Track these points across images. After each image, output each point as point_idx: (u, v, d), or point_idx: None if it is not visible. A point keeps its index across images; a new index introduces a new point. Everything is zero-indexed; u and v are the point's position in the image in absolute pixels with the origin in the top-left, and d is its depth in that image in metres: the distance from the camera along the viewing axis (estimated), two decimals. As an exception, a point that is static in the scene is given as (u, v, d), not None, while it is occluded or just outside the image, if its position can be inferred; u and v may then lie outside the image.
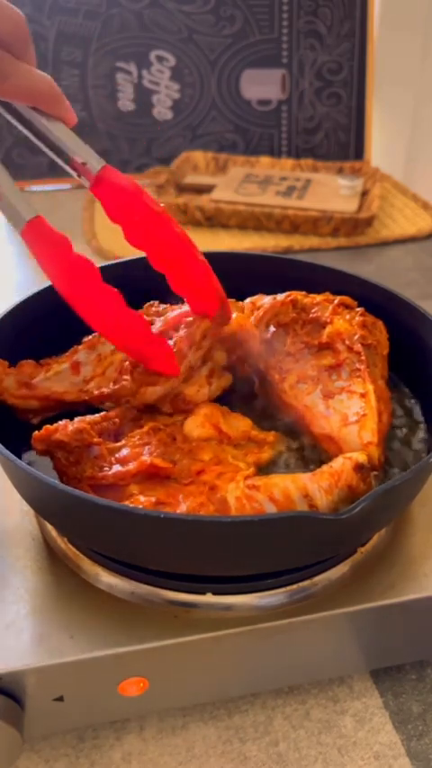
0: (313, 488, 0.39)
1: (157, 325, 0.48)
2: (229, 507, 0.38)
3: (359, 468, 0.41)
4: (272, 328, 0.50)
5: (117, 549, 0.40)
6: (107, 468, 0.41)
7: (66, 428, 0.42)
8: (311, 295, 0.52)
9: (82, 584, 0.42)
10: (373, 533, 0.45)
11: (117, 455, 0.42)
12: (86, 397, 0.48)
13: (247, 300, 0.54)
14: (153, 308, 0.52)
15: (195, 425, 0.45)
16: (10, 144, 1.11)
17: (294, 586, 0.42)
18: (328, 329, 0.48)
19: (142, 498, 0.39)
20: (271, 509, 0.39)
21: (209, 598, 0.41)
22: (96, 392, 0.48)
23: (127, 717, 0.44)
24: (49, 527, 0.46)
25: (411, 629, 0.44)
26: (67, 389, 0.49)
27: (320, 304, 0.51)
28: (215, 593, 0.41)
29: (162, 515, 0.34)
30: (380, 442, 0.44)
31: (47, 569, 0.43)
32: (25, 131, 0.42)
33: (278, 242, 0.99)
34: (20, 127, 0.42)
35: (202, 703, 0.45)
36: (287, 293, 0.52)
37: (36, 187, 1.15)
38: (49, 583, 0.42)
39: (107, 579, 0.42)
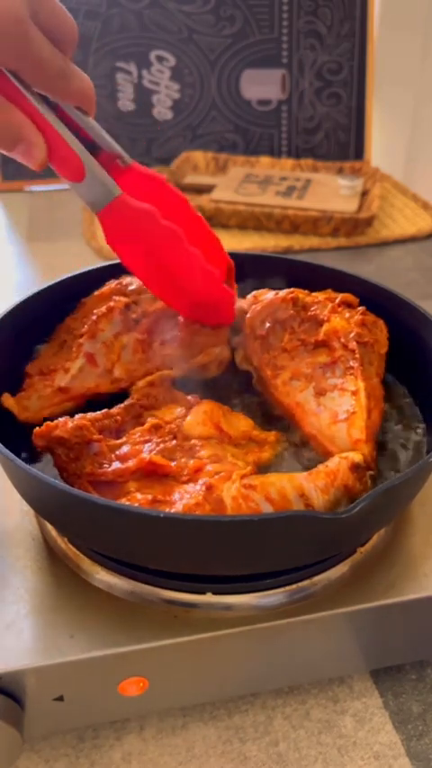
0: (309, 488, 0.39)
1: None
2: (226, 507, 0.38)
3: (355, 467, 0.41)
4: (267, 324, 0.50)
5: (116, 548, 0.40)
6: (107, 465, 0.41)
7: (66, 425, 0.42)
8: (313, 294, 0.52)
9: (82, 584, 0.42)
10: (372, 533, 0.45)
11: (117, 452, 0.42)
12: (124, 385, 0.50)
13: (251, 294, 0.54)
14: None
15: (196, 423, 0.45)
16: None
17: (294, 586, 0.42)
18: (326, 327, 0.48)
19: (139, 496, 0.39)
20: (267, 509, 0.39)
21: (208, 598, 0.41)
22: (140, 373, 0.50)
23: (127, 717, 0.44)
24: (49, 527, 0.46)
25: (411, 629, 0.44)
26: (98, 383, 0.50)
27: (321, 302, 0.51)
28: (215, 593, 0.41)
29: (162, 515, 0.34)
30: (369, 440, 0.44)
31: (47, 569, 0.43)
32: (59, 127, 0.43)
33: (278, 242, 0.98)
34: (52, 122, 0.42)
35: (202, 703, 0.45)
36: (289, 290, 0.52)
37: (36, 187, 1.16)
38: (49, 583, 0.42)
39: (107, 579, 0.42)
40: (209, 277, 0.48)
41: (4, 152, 0.40)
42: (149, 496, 0.39)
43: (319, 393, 0.46)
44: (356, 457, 0.41)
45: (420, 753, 0.42)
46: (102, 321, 0.51)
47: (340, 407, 0.45)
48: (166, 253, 0.45)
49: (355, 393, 0.45)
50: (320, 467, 0.41)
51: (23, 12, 0.36)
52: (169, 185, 0.48)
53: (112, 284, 0.55)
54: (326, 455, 0.44)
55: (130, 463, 0.41)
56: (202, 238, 0.49)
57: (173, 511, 0.38)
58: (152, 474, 0.41)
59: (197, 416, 0.45)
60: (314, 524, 0.35)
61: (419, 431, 0.50)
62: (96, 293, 0.54)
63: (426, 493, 0.46)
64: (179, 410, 0.46)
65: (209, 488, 0.39)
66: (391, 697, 0.45)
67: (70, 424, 0.42)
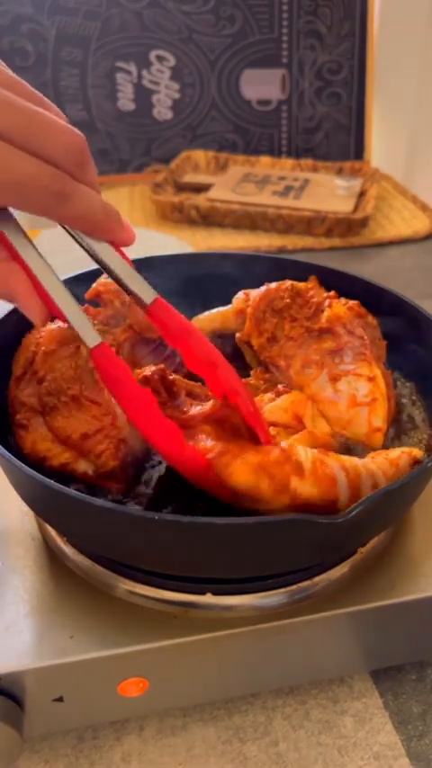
0: (378, 473, 0.39)
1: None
2: (304, 470, 0.38)
3: (416, 464, 0.40)
4: (269, 315, 0.50)
5: (115, 549, 0.40)
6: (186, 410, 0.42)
7: (154, 374, 0.43)
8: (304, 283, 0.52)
9: (82, 584, 0.42)
10: (371, 537, 0.45)
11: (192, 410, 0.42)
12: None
13: (240, 293, 0.54)
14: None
15: (278, 408, 0.44)
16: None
17: (294, 587, 0.42)
18: (327, 313, 0.48)
19: (210, 442, 0.39)
20: (341, 477, 0.38)
21: (208, 598, 0.41)
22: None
23: (127, 717, 0.44)
24: (49, 527, 0.46)
25: (411, 629, 0.44)
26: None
27: (314, 287, 0.51)
28: (215, 593, 0.41)
29: (157, 516, 0.34)
30: (387, 430, 0.44)
31: (47, 569, 0.43)
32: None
33: (272, 241, 0.99)
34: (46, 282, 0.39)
35: (201, 703, 0.45)
36: (281, 281, 0.52)
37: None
38: (49, 583, 0.42)
39: (107, 579, 0.42)
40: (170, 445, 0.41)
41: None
42: (220, 445, 0.38)
43: (333, 379, 0.46)
44: (419, 453, 0.41)
45: (420, 753, 0.42)
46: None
47: (357, 391, 0.45)
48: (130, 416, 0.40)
49: (371, 379, 0.45)
50: (382, 453, 0.40)
51: None
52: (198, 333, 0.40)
53: (40, 336, 0.47)
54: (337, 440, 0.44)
55: (206, 407, 0.41)
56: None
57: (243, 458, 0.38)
58: (224, 421, 0.40)
59: (283, 402, 0.44)
60: (312, 528, 0.35)
61: (419, 432, 0.50)
62: (43, 350, 0.46)
63: (426, 493, 0.45)
64: (268, 396, 0.46)
65: (283, 452, 0.38)
66: (391, 697, 0.45)
67: (150, 371, 0.43)
